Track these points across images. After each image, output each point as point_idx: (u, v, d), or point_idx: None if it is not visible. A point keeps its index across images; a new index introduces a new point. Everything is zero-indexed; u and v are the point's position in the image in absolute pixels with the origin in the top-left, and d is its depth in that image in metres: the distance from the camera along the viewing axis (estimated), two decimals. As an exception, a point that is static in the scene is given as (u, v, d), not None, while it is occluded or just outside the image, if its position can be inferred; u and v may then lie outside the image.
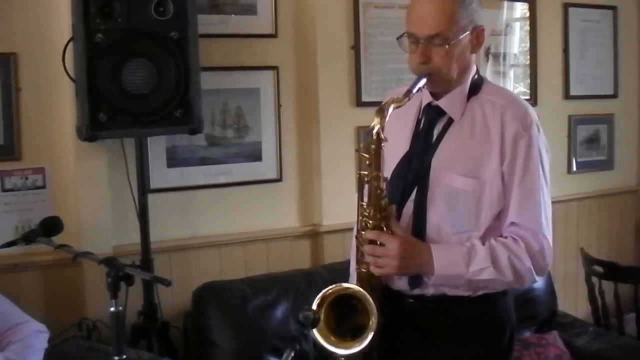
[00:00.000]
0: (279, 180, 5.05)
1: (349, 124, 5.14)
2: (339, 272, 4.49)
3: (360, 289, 2.91)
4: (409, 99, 2.89)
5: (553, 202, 3.05)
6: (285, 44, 5.05)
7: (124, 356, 3.06)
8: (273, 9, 4.98)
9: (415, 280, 3.00)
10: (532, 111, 3.01)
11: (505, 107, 2.96)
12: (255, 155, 4.96)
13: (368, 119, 4.88)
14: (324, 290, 2.93)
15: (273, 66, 4.99)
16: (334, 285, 2.96)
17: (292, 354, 2.56)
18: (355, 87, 5.17)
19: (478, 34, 2.98)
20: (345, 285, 2.98)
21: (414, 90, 2.89)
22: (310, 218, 5.16)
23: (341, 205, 4.92)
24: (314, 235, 5.15)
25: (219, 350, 4.42)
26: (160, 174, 4.68)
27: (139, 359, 3.88)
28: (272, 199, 5.05)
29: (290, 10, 5.06)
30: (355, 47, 5.18)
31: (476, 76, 3.08)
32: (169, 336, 4.50)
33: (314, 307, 2.89)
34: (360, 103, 5.17)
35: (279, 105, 5.01)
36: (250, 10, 4.92)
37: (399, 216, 2.99)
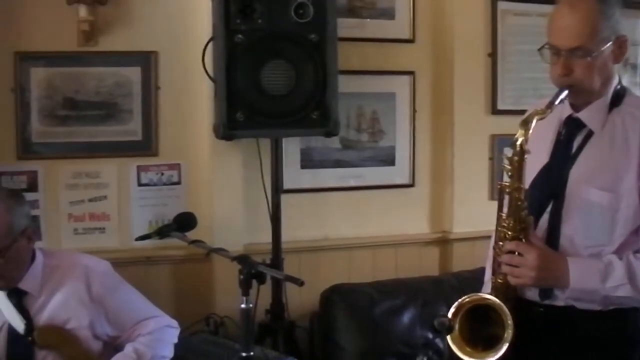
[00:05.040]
0: (411, 185, 5.03)
1: (483, 132, 5.09)
2: (468, 280, 4.47)
3: (498, 301, 2.87)
4: (551, 111, 2.84)
5: None
6: (422, 50, 5.03)
7: (252, 353, 3.07)
8: (411, 14, 4.97)
9: (547, 292, 2.95)
10: None
11: None
12: (388, 159, 4.95)
13: (503, 127, 4.86)
14: (460, 299, 2.91)
15: (409, 71, 4.98)
16: (471, 295, 2.93)
17: (425, 360, 2.54)
18: (491, 95, 5.11)
19: (621, 44, 2.90)
20: (482, 295, 2.95)
21: (556, 102, 2.84)
22: (440, 225, 5.12)
23: (473, 213, 4.89)
24: (444, 242, 5.11)
25: (344, 352, 4.44)
26: (293, 175, 4.72)
27: (265, 357, 3.91)
28: (403, 204, 5.03)
29: (427, 15, 5.04)
30: (493, 55, 5.12)
31: (619, 86, 2.99)
32: (295, 336, 4.53)
33: (450, 315, 2.88)
34: (495, 111, 5.10)
35: (414, 111, 5.00)
36: (388, 14, 4.92)
37: (535, 227, 2.95)
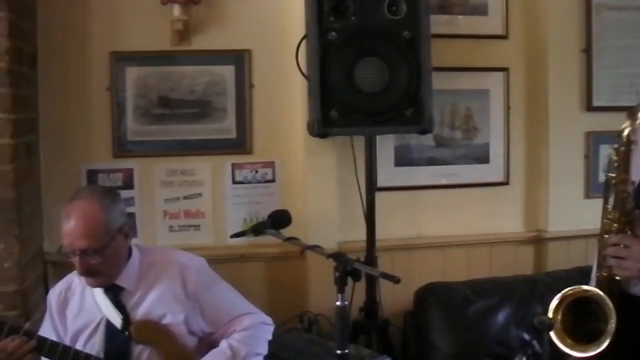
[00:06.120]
0: (506, 183, 4.98)
1: (578, 129, 5.00)
2: (563, 279, 4.41)
3: (600, 292, 2.83)
4: None
5: None
6: (516, 46, 4.99)
7: (347, 350, 3.06)
8: (504, 10, 4.93)
9: (653, 286, 2.90)
10: None
11: None
12: (482, 157, 4.91)
13: (598, 124, 4.78)
14: (563, 291, 2.88)
15: (503, 68, 4.94)
16: (573, 287, 2.89)
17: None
18: (586, 92, 5.02)
19: None
20: (584, 287, 2.91)
21: None
22: (535, 223, 5.04)
23: (568, 211, 4.82)
24: (538, 241, 5.03)
25: (438, 351, 4.40)
26: (387, 173, 4.71)
27: (359, 354, 3.91)
28: (497, 203, 4.99)
29: (521, 11, 4.99)
30: (587, 50, 5.02)
31: None
32: (388, 334, 4.51)
33: (553, 307, 2.84)
34: (590, 108, 5.00)
35: (508, 108, 4.95)
36: (480, 10, 4.89)
37: (643, 221, 2.89)
